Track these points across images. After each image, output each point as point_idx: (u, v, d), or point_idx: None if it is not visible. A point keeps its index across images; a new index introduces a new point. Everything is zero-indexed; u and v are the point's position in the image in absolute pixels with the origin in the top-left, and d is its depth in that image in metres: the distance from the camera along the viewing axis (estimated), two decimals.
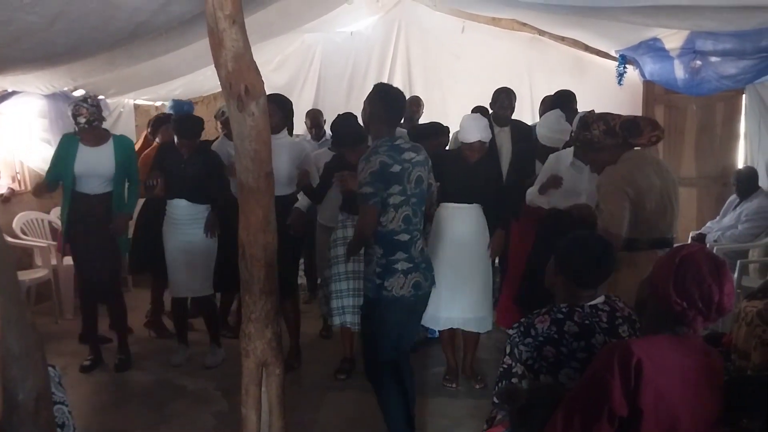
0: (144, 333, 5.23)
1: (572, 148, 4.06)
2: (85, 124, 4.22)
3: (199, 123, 4.55)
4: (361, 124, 3.58)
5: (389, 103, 3.15)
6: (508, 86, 5.36)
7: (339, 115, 5.12)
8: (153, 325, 5.24)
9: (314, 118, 6.21)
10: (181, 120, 4.56)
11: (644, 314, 1.89)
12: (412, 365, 3.45)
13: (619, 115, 3.06)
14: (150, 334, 5.21)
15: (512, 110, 5.18)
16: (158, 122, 5.34)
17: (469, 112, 5.62)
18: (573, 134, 3.85)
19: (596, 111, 3.40)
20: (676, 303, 1.69)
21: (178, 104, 5.67)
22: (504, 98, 5.12)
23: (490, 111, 5.25)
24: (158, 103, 7.48)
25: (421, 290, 3.15)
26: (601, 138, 3.01)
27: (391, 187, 3.00)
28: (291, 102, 4.48)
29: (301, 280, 5.92)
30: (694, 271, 1.69)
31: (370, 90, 3.27)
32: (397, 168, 3.01)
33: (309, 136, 6.30)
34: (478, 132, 3.97)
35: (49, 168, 4.45)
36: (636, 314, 2.09)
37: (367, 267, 3.15)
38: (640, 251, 2.86)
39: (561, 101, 4.98)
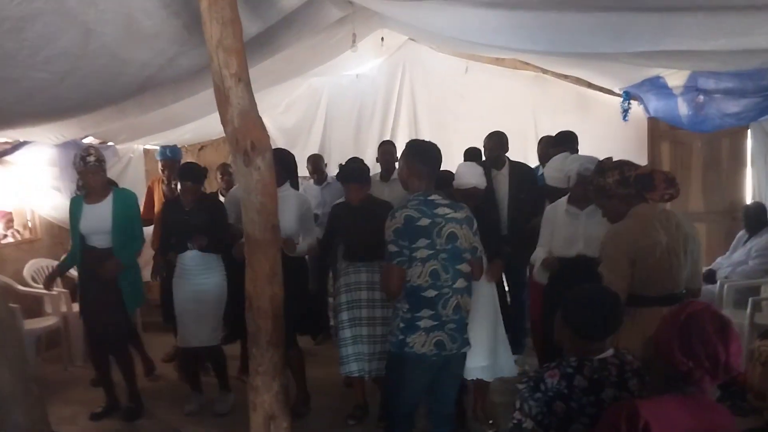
0: (155, 378, 5.25)
1: (567, 197, 4.09)
2: (95, 162, 4.24)
3: (203, 169, 4.60)
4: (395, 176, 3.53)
5: (423, 158, 3.12)
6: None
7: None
8: (178, 368, 5.26)
9: (315, 163, 6.21)
10: (185, 165, 4.67)
11: (652, 372, 1.87)
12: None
13: (636, 166, 3.03)
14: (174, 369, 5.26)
15: (499, 151, 5.20)
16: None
17: (463, 153, 5.74)
18: (588, 179, 3.86)
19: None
20: (681, 363, 1.68)
21: (162, 150, 5.72)
22: (487, 141, 5.23)
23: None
24: None
25: (446, 350, 3.03)
26: (614, 187, 2.99)
27: (417, 240, 2.94)
28: (292, 155, 4.47)
29: None
30: (699, 331, 1.68)
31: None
32: (425, 222, 2.96)
33: (312, 181, 6.35)
34: (473, 178, 3.98)
35: (71, 235, 4.52)
36: (645, 370, 2.07)
37: (392, 322, 3.10)
38: (643, 307, 2.83)
39: (563, 141, 5.03)
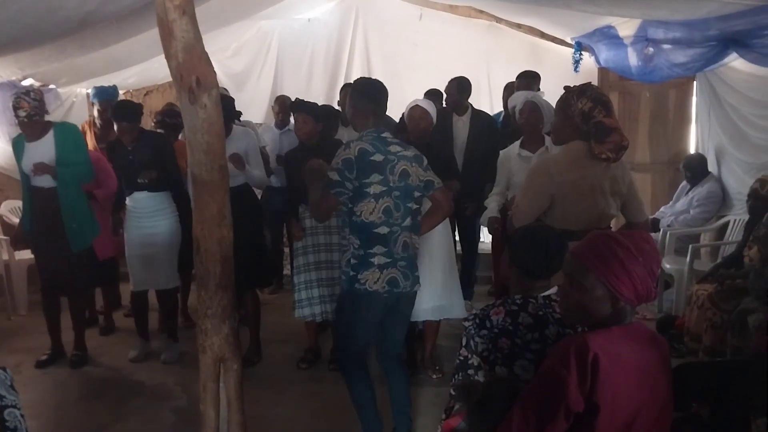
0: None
1: (518, 142, 4.13)
2: (24, 117, 4.08)
3: (138, 107, 4.46)
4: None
5: (368, 96, 3.09)
6: (466, 73, 5.39)
7: None
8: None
9: (282, 104, 5.89)
10: (118, 104, 4.52)
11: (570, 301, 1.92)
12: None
13: (610, 111, 2.96)
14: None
15: (458, 95, 5.21)
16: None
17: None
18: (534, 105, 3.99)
19: (556, 101, 3.41)
20: (653, 294, 1.77)
21: (101, 90, 5.41)
22: (448, 86, 5.24)
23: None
24: None
25: (399, 288, 3.02)
26: (575, 113, 2.94)
27: (370, 176, 2.90)
28: (231, 99, 4.33)
29: None
30: (650, 265, 1.75)
31: (344, 84, 3.25)
32: (379, 157, 2.93)
33: (273, 123, 6.11)
34: (417, 102, 4.05)
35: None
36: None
37: (342, 257, 3.08)
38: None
39: (523, 77, 5.27)
